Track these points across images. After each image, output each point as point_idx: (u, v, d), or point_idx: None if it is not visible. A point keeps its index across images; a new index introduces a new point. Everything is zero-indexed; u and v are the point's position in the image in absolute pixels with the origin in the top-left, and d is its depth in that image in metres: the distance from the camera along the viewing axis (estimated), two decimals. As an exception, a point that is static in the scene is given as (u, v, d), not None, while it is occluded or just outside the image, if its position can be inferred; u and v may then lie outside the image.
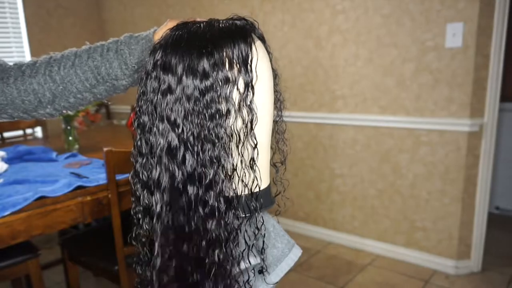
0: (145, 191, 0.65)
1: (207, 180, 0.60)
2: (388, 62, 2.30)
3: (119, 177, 1.41)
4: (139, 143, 0.65)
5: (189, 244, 0.62)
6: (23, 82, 0.73)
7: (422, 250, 2.37)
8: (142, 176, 0.65)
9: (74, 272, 1.75)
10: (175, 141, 0.60)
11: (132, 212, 0.70)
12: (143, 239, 0.69)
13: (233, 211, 0.63)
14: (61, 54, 0.75)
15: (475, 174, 2.20)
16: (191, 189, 0.61)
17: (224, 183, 0.62)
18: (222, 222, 0.62)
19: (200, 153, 0.60)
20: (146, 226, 0.67)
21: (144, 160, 0.65)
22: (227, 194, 0.62)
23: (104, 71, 0.73)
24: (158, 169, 0.62)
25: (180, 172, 0.61)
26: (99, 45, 0.75)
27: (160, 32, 0.70)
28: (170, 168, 0.61)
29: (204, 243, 0.62)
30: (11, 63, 0.77)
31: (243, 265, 0.66)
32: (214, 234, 0.62)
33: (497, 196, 3.10)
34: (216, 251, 0.62)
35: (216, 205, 0.61)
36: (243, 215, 0.65)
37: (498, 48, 2.06)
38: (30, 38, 3.31)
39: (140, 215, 0.68)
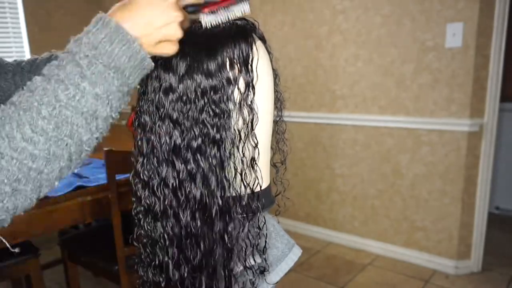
0: (146, 191, 0.65)
1: (212, 179, 0.61)
2: (388, 62, 2.30)
3: (119, 177, 1.41)
4: (139, 142, 0.65)
5: (195, 243, 0.62)
6: (22, 77, 0.72)
7: (422, 250, 2.37)
8: (143, 176, 0.65)
9: (74, 272, 1.75)
10: (179, 140, 0.60)
11: (133, 213, 0.70)
12: (144, 240, 0.68)
13: (239, 210, 0.63)
14: (62, 52, 0.74)
15: (475, 174, 2.20)
16: (195, 188, 0.61)
17: (228, 182, 0.62)
18: (227, 222, 0.62)
19: (205, 152, 0.60)
20: (148, 226, 0.67)
21: (145, 160, 0.65)
22: (229, 194, 0.62)
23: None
24: (166, 168, 0.62)
25: (186, 171, 0.61)
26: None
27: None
28: (176, 167, 0.61)
29: (208, 242, 0.62)
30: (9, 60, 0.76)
31: (247, 264, 0.66)
32: (218, 235, 0.62)
33: (497, 196, 3.10)
34: (218, 251, 0.62)
35: (221, 204, 0.61)
36: (246, 215, 0.65)
37: (498, 48, 2.06)
38: (30, 38, 3.31)
39: (141, 216, 0.68)
